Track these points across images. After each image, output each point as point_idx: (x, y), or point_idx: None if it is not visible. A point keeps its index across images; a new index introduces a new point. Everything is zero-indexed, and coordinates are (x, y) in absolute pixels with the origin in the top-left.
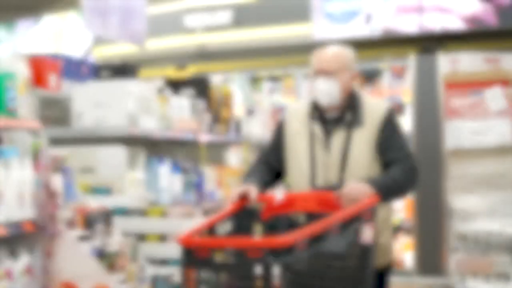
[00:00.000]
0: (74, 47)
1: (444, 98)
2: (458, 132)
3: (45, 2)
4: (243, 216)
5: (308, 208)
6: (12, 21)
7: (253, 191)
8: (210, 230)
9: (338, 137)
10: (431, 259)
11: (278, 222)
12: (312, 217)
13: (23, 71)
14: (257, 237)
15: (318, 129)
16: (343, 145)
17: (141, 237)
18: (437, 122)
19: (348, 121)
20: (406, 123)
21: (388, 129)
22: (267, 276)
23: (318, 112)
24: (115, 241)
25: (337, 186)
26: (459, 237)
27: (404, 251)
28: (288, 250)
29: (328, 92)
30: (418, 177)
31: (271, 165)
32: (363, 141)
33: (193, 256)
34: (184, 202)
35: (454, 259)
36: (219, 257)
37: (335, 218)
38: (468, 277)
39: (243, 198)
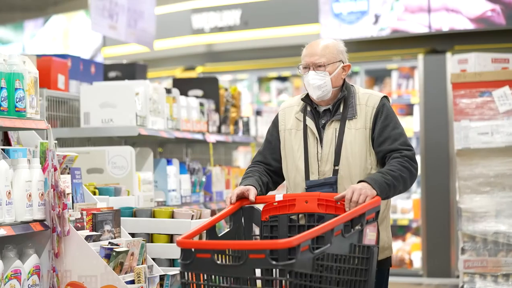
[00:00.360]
0: (82, 47)
1: (452, 98)
2: (466, 133)
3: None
4: (243, 217)
5: (308, 209)
6: (21, 22)
7: (252, 191)
8: (211, 231)
9: (331, 130)
10: (439, 260)
11: (278, 222)
12: (313, 217)
13: (31, 71)
14: (257, 238)
15: (311, 123)
16: (337, 138)
17: (149, 238)
18: (446, 122)
19: (341, 114)
20: (415, 123)
21: (382, 120)
22: (268, 278)
23: (311, 106)
24: (123, 242)
25: (333, 179)
26: (468, 237)
27: (412, 251)
28: (289, 252)
29: (319, 85)
30: (417, 166)
31: (269, 164)
32: (357, 133)
33: (193, 257)
34: (192, 203)
35: (462, 260)
36: (219, 259)
37: (338, 219)
38: (476, 278)
39: (242, 198)
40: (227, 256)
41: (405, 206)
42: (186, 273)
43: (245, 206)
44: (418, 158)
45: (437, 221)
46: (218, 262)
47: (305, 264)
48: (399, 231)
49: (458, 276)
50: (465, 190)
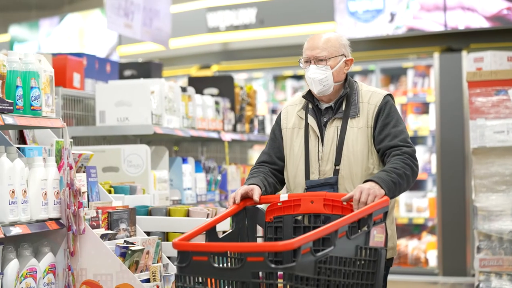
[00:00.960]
0: (98, 45)
1: (468, 97)
2: (482, 131)
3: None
4: (246, 217)
5: (314, 209)
6: (36, 20)
7: (256, 191)
8: (211, 232)
9: (333, 129)
10: (455, 258)
11: (282, 223)
12: (319, 218)
13: (47, 70)
14: (259, 239)
15: (312, 121)
16: (338, 137)
17: (165, 236)
18: (461, 120)
19: (343, 112)
20: (431, 122)
21: (384, 117)
22: (267, 282)
23: (312, 103)
24: (139, 240)
25: (333, 180)
26: (483, 236)
27: (428, 250)
28: (292, 254)
29: (320, 79)
30: (417, 164)
31: (274, 163)
32: (359, 132)
33: (190, 260)
34: (208, 201)
35: (478, 258)
36: (221, 261)
37: (342, 221)
38: (492, 277)
39: (246, 198)
40: (230, 259)
41: (421, 205)
42: (182, 277)
43: (249, 206)
44: (433, 156)
45: (453, 219)
46: (215, 265)
47: (307, 267)
48: (415, 229)
49: (473, 275)
50: (481, 188)
